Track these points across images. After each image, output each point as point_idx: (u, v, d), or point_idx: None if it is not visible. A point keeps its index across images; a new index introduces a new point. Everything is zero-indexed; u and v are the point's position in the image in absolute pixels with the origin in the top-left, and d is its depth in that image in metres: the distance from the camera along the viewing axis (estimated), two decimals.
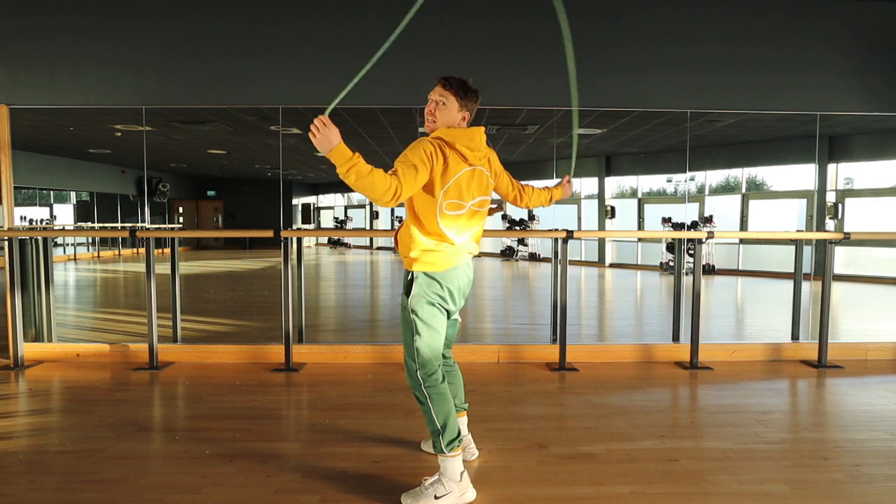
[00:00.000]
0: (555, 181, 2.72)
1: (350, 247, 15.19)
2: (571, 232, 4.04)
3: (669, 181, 10.93)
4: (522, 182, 2.59)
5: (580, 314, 6.40)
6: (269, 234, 3.93)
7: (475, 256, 2.32)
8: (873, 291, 8.61)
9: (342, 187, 15.78)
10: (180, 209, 13.77)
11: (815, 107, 4.50)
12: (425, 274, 2.14)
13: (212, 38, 4.20)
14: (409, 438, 2.75)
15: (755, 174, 9.99)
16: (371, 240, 14.41)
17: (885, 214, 9.12)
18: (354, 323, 6.18)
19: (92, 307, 7.04)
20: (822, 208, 8.61)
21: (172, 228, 12.13)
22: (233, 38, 4.20)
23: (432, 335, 2.16)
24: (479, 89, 2.22)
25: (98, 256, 12.30)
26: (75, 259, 11.73)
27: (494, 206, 2.63)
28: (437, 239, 2.13)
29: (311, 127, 1.77)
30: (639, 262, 11.00)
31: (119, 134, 7.66)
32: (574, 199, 11.68)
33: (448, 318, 2.26)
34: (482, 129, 2.21)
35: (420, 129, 2.29)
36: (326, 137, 1.77)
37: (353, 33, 4.20)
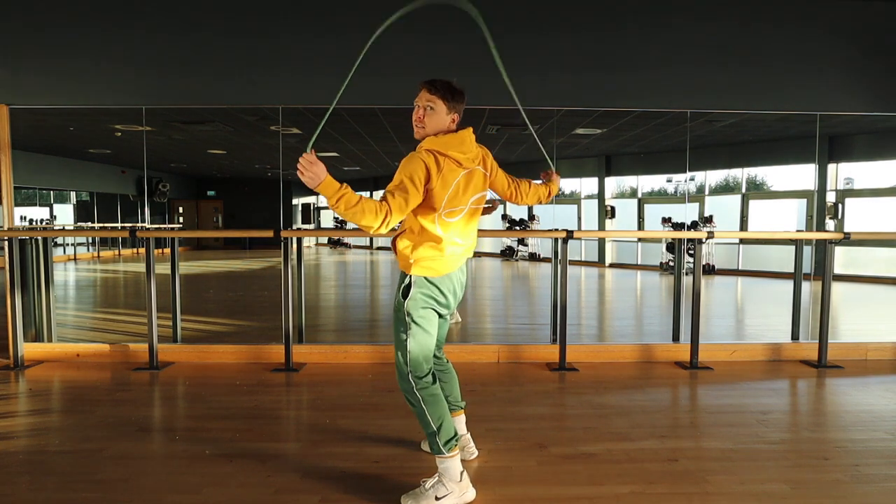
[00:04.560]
0: (558, 181, 2.66)
1: (350, 247, 15.21)
2: (571, 232, 4.04)
3: (669, 181, 10.94)
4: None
5: (580, 314, 6.39)
6: (269, 234, 3.93)
7: (474, 256, 2.31)
8: (873, 291, 8.61)
9: None
10: (180, 209, 13.77)
11: (815, 107, 4.50)
12: (424, 278, 2.12)
13: (212, 38, 4.19)
14: (409, 438, 2.75)
15: (755, 174, 10.00)
16: (371, 240, 14.39)
17: (885, 214, 9.12)
18: (354, 323, 6.18)
19: (92, 307, 7.03)
20: (822, 208, 8.62)
21: (172, 228, 12.12)
22: (233, 38, 4.19)
23: (426, 338, 2.15)
24: (463, 89, 2.18)
25: (98, 256, 12.30)
26: (75, 259, 11.73)
27: (488, 205, 2.57)
28: (438, 245, 2.11)
29: (298, 165, 1.79)
30: (639, 262, 11.00)
31: (119, 134, 7.67)
32: (574, 199, 11.69)
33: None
34: (470, 130, 2.18)
35: None
36: (315, 174, 1.80)
37: (353, 33, 4.20)
